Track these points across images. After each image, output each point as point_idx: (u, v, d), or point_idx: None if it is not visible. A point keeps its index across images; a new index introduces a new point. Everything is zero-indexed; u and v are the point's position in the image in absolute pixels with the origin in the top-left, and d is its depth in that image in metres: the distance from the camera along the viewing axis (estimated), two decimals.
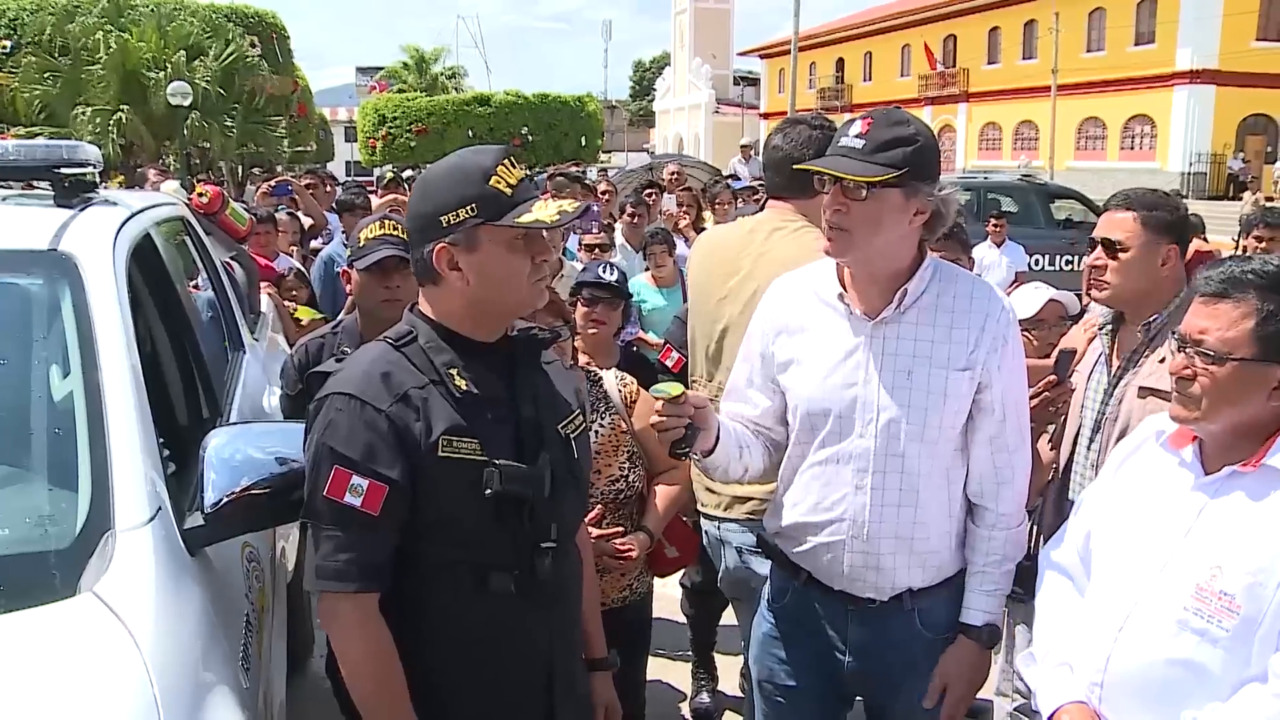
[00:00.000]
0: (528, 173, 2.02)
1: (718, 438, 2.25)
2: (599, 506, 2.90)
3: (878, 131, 2.13)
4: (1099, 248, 2.64)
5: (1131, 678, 1.91)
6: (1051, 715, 2.02)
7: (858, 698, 2.53)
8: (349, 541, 1.82)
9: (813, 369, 2.28)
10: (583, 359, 3.28)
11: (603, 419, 3.00)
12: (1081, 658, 2.02)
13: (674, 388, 2.09)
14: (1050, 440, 2.81)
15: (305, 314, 5.40)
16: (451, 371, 1.90)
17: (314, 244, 7.72)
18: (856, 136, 2.14)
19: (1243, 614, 1.78)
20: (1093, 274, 2.64)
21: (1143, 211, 2.61)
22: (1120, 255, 2.58)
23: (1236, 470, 1.87)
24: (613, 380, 3.09)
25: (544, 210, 1.88)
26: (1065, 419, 2.75)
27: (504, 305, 1.96)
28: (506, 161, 1.91)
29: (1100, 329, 2.73)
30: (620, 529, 2.94)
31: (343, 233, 6.67)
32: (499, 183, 1.88)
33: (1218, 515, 1.87)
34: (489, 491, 1.86)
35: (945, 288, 2.23)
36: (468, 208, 1.86)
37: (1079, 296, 3.31)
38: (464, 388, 1.89)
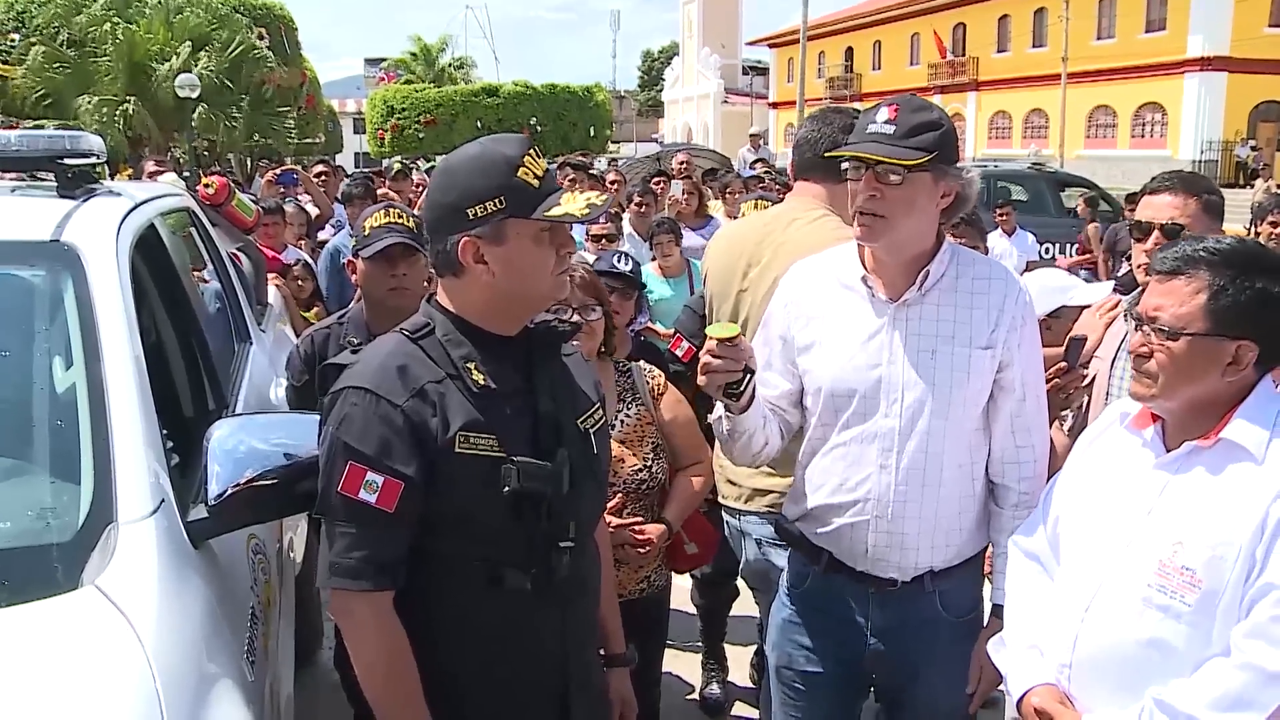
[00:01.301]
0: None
1: (752, 395, 2.25)
2: (620, 495, 2.88)
3: (906, 116, 2.16)
4: (1155, 232, 2.56)
5: (1099, 657, 1.92)
6: (1021, 698, 2.04)
7: (871, 689, 2.54)
8: (363, 539, 1.79)
9: (835, 351, 2.30)
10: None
11: (629, 409, 2.99)
12: (1050, 640, 2.03)
13: (730, 328, 2.09)
14: (1068, 429, 2.77)
15: None
16: (469, 365, 1.86)
17: (321, 235, 7.68)
18: (886, 123, 2.16)
19: (1204, 588, 1.79)
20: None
21: (1204, 195, 2.57)
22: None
23: (1196, 446, 1.89)
24: (641, 371, 3.08)
25: (572, 203, 1.85)
26: (1084, 407, 2.71)
27: (528, 298, 1.92)
28: (531, 152, 1.86)
29: (1126, 314, 2.69)
30: (639, 519, 2.92)
31: (349, 224, 6.64)
32: (526, 174, 1.83)
33: (1179, 492, 1.89)
34: (507, 489, 1.82)
35: (964, 270, 2.27)
36: (495, 200, 1.82)
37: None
38: (481, 382, 1.86)
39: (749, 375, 2.16)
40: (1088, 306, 3.05)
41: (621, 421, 2.96)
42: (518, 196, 1.82)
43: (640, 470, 2.94)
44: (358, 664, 1.85)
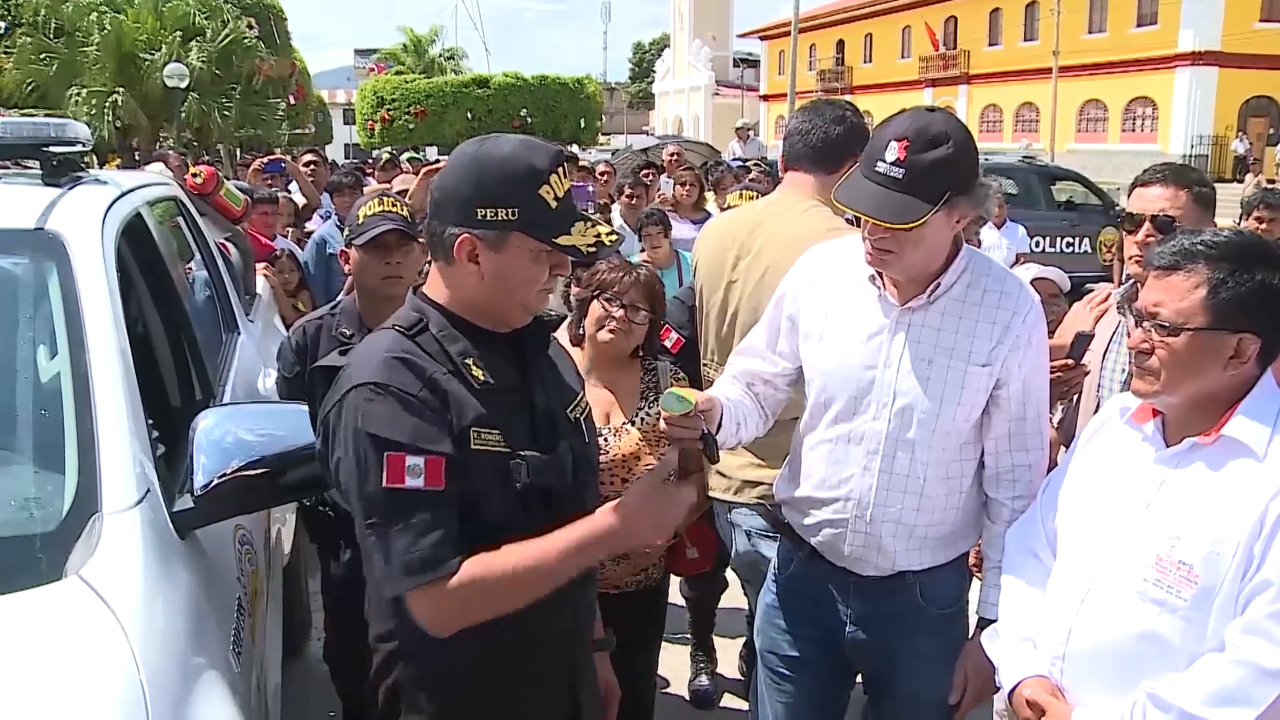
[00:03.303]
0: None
1: (720, 424, 2.22)
2: None
3: (916, 157, 2.04)
4: (1146, 224, 2.55)
5: (1093, 650, 1.92)
6: (1012, 689, 2.04)
7: (859, 675, 2.53)
8: (429, 522, 1.70)
9: (835, 345, 2.28)
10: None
11: (651, 409, 2.98)
12: (1044, 632, 2.03)
13: (684, 398, 1.93)
14: (1056, 422, 2.76)
15: None
16: (468, 362, 1.82)
17: (309, 225, 7.64)
18: (894, 164, 2.05)
19: (1201, 583, 1.79)
20: (1144, 251, 2.50)
21: (1194, 187, 2.56)
22: (1176, 231, 2.46)
23: (1196, 442, 1.89)
24: (666, 370, 3.08)
25: (581, 237, 1.81)
26: (1075, 401, 2.70)
27: (508, 308, 1.88)
28: (560, 169, 1.81)
29: (1118, 306, 2.68)
30: None
31: (337, 215, 6.59)
32: (548, 193, 1.78)
33: (1178, 487, 1.88)
34: (519, 485, 1.80)
35: (976, 281, 2.22)
36: (509, 210, 1.77)
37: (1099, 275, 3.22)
38: (482, 378, 1.82)
39: (712, 441, 1.97)
40: (1067, 295, 3.04)
41: (641, 420, 2.96)
42: (532, 213, 1.78)
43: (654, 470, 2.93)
44: (502, 609, 1.75)
